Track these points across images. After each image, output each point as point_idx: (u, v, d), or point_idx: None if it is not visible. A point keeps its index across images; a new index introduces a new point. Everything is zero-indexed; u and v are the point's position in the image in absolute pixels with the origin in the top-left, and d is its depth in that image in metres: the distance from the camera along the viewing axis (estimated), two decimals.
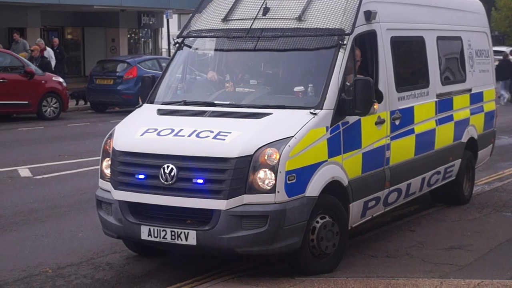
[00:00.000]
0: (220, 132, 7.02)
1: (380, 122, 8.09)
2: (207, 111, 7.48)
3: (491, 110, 11.49)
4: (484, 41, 11.48)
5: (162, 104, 7.98)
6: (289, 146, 6.80)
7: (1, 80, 20.79)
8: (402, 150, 8.64)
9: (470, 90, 10.69)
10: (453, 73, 10.46)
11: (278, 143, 6.82)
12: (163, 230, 6.91)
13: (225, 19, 8.17)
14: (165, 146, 7.09)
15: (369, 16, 7.94)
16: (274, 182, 6.70)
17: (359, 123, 7.69)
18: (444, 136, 9.79)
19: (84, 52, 38.08)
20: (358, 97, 7.26)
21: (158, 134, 7.23)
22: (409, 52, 9.35)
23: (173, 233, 6.85)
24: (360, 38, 7.96)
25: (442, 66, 9.80)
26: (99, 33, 37.63)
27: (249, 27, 7.90)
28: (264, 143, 6.81)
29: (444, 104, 9.76)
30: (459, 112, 10.23)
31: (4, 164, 13.37)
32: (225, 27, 8.16)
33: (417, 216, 9.96)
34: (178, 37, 8.51)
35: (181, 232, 6.82)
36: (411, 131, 8.83)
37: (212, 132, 7.04)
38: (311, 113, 7.15)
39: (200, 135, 7.04)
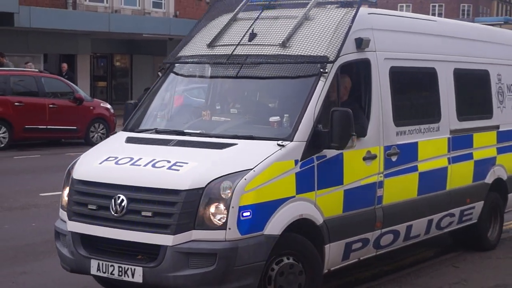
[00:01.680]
0: (177, 162, 6.46)
1: (370, 157, 7.41)
2: (173, 140, 6.99)
3: None
4: None
5: (134, 131, 7.57)
6: (245, 179, 6.15)
7: (51, 106, 21.18)
8: (401, 188, 7.92)
9: (497, 127, 9.93)
10: (475, 109, 9.70)
11: (233, 176, 6.18)
12: (111, 265, 6.41)
13: (210, 45, 7.73)
14: (119, 175, 6.61)
15: (361, 44, 7.35)
16: (225, 218, 6.06)
17: (340, 158, 7.00)
18: (460, 176, 9.02)
19: (132, 79, 38.78)
20: (335, 129, 6.61)
21: (116, 163, 6.77)
22: (414, 84, 8.65)
23: (120, 269, 6.35)
24: (349, 66, 7.40)
25: (459, 100, 9.05)
26: (147, 61, 38.07)
27: (230, 53, 7.45)
28: (218, 176, 6.18)
29: (461, 141, 9.03)
30: (482, 151, 9.49)
31: (51, 189, 13.29)
32: (209, 53, 7.71)
33: (461, 252, 9.68)
34: (164, 62, 8.19)
35: (128, 268, 6.31)
36: (414, 169, 8.12)
37: (169, 162, 6.49)
38: (279, 145, 6.52)
39: (157, 165, 6.52)
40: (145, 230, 6.24)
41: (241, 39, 7.53)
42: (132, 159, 6.74)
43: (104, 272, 6.46)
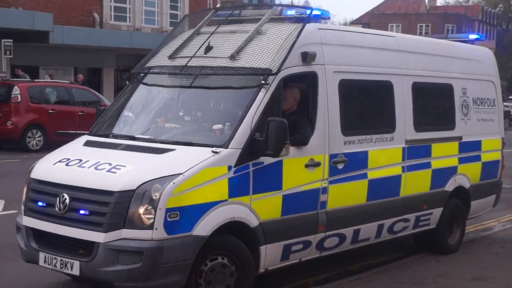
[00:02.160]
0: (116, 165, 6.86)
1: (313, 165, 7.73)
2: (122, 144, 7.38)
3: (493, 160, 10.94)
4: (489, 89, 10.98)
5: (95, 135, 8.01)
6: (173, 183, 6.50)
7: (80, 113, 23.14)
8: (347, 195, 8.24)
9: (460, 138, 10.21)
10: (436, 120, 9.97)
11: (162, 180, 6.53)
12: (54, 258, 6.88)
13: (171, 56, 8.15)
14: (65, 176, 7.05)
15: (306, 57, 7.65)
16: (153, 218, 6.42)
17: (279, 165, 7.33)
18: (415, 184, 9.33)
19: None
20: (270, 138, 6.92)
21: (67, 164, 7.21)
22: (366, 97, 8.88)
23: (62, 262, 6.81)
24: (296, 79, 7.73)
25: (417, 112, 9.34)
26: None
27: (184, 64, 7.83)
28: (149, 179, 6.55)
29: (417, 150, 9.33)
30: (441, 160, 9.80)
31: None
32: (168, 64, 8.12)
33: None
34: (130, 72, 8.41)
35: (67, 262, 6.75)
36: (363, 176, 8.44)
37: (110, 165, 6.89)
38: (213, 151, 6.87)
39: (99, 167, 6.92)
40: (83, 227, 6.68)
41: (197, 52, 7.93)
42: (80, 161, 7.20)
43: (49, 264, 6.96)
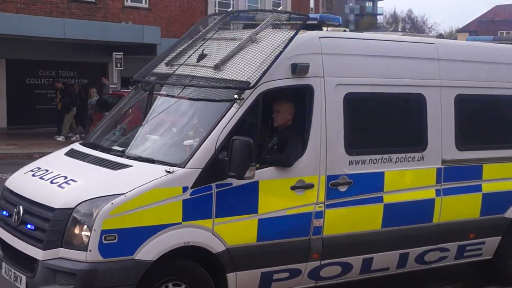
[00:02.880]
0: (70, 179, 6.58)
1: (303, 186, 6.99)
2: (91, 156, 7.11)
3: None
4: None
5: (82, 144, 7.74)
6: (111, 204, 6.07)
7: None
8: (353, 219, 7.41)
9: None
10: (489, 138, 8.70)
11: (101, 200, 6.12)
12: (10, 270, 6.69)
13: (168, 63, 7.72)
14: (24, 187, 6.87)
15: (295, 69, 6.92)
16: (88, 239, 6.04)
17: (253, 187, 6.68)
18: (457, 209, 8.22)
19: None
20: (233, 158, 6.32)
21: (33, 175, 7.02)
22: (383, 112, 7.87)
23: (14, 275, 6.61)
24: (283, 92, 7.12)
25: (462, 129, 8.23)
26: None
27: (171, 72, 7.41)
28: (90, 197, 6.18)
29: (460, 172, 8.22)
30: (497, 183, 8.55)
31: None
32: (162, 71, 7.67)
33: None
34: (133, 78, 8.08)
35: (17, 275, 6.54)
36: (376, 200, 7.54)
37: (65, 178, 6.62)
38: (166, 171, 6.36)
39: (55, 180, 6.65)
40: (29, 242, 6.43)
41: (187, 59, 7.46)
42: (46, 171, 6.97)
43: (7, 275, 6.79)
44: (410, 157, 7.87)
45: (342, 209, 7.37)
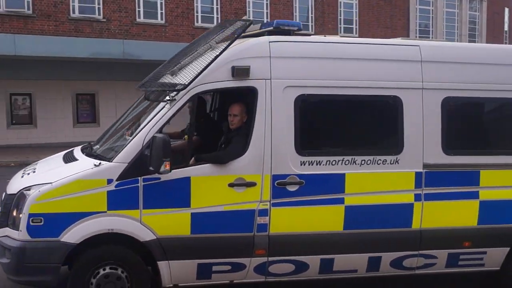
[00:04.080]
0: (34, 171, 7.56)
1: (243, 184, 7.14)
2: (72, 154, 7.85)
3: None
4: None
5: (82, 149, 8.17)
6: (39, 191, 6.77)
7: None
8: (308, 220, 7.35)
9: None
10: (488, 143, 8.10)
11: (34, 187, 6.87)
12: None
13: (163, 72, 7.92)
14: (10, 183, 7.68)
15: (234, 71, 7.09)
16: (19, 221, 6.81)
17: (184, 182, 7.00)
18: (446, 216, 7.77)
19: None
20: (152, 154, 6.72)
21: (23, 174, 7.80)
22: (346, 114, 7.67)
23: None
24: (225, 94, 7.45)
25: (451, 132, 7.77)
26: None
27: (147, 80, 7.74)
28: (27, 185, 6.98)
29: (448, 177, 7.75)
30: (499, 191, 7.93)
31: None
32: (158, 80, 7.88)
33: None
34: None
35: None
36: (336, 201, 7.40)
37: (34, 171, 7.62)
38: (94, 164, 6.93)
39: (26, 173, 7.64)
40: None
41: (173, 68, 7.76)
42: (33, 168, 7.91)
43: None
44: (380, 160, 7.62)
45: (292, 208, 7.37)
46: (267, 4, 30.03)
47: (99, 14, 26.95)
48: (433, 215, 7.79)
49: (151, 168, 6.81)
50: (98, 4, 26.88)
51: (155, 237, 7.04)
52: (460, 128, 7.98)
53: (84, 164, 7.16)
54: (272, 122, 7.27)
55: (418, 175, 7.72)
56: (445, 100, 7.80)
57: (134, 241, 7.04)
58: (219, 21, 28.28)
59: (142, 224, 7.00)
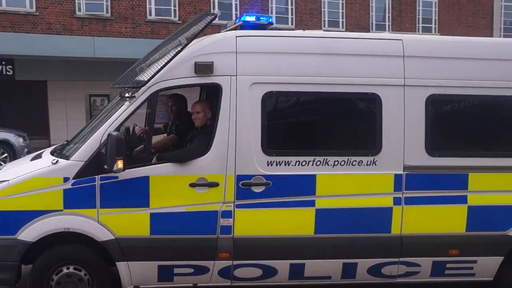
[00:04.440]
0: (2, 170, 7.55)
1: (205, 184, 6.88)
2: (40, 155, 7.74)
3: None
4: None
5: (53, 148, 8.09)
6: None
7: None
8: (276, 222, 7.01)
9: None
10: (479, 144, 7.50)
11: None
12: None
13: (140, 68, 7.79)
14: None
15: (196, 67, 6.83)
16: None
17: (143, 181, 6.81)
18: (430, 221, 7.27)
19: None
20: (107, 152, 6.56)
21: None
22: (317, 112, 7.31)
23: None
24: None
25: (437, 132, 7.26)
26: None
27: (121, 76, 7.67)
28: None
29: (431, 180, 7.25)
30: (490, 195, 7.34)
31: None
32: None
33: None
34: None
35: None
36: (306, 204, 7.02)
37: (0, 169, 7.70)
38: (52, 162, 6.81)
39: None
40: None
41: (143, 64, 7.65)
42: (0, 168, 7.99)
43: None
44: (355, 161, 7.19)
45: (258, 210, 7.06)
46: (342, 4, 29.47)
47: (174, 16, 27.22)
48: (415, 220, 7.31)
49: (105, 167, 6.65)
50: (174, 6, 27.13)
51: (113, 237, 6.89)
52: (446, 127, 7.46)
53: (43, 162, 7.08)
54: (237, 120, 6.98)
55: (397, 177, 7.25)
56: (430, 97, 7.29)
57: (92, 241, 6.92)
58: (293, 22, 28.08)
59: (99, 224, 6.86)
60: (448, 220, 7.37)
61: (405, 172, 7.26)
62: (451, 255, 7.42)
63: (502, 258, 7.50)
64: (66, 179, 6.79)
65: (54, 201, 6.79)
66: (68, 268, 6.98)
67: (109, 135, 6.62)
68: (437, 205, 7.33)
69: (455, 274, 7.54)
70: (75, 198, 6.82)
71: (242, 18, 7.36)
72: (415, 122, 7.27)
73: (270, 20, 7.41)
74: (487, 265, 7.52)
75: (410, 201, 7.27)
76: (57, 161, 6.92)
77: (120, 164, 6.61)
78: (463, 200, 7.36)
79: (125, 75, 7.63)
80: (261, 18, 7.36)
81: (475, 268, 7.52)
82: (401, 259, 7.36)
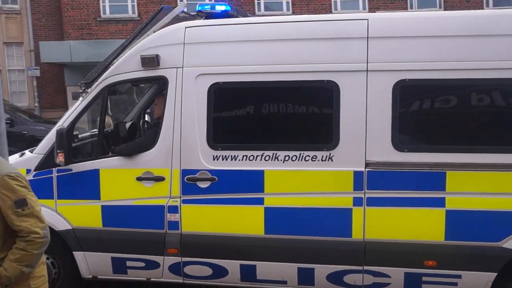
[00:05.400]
0: None
1: (151, 178, 6.69)
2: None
3: None
4: None
5: None
6: None
7: None
8: (223, 219, 6.56)
9: None
10: (457, 136, 6.13)
11: None
12: None
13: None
14: None
15: (145, 61, 6.65)
16: None
17: (94, 174, 6.82)
18: (398, 226, 6.24)
19: None
20: (54, 145, 6.75)
21: None
22: (265, 103, 6.54)
23: None
24: (130, 85, 7.04)
25: (407, 123, 6.22)
26: None
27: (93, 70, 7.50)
28: None
29: (400, 178, 6.20)
30: (477, 198, 6.05)
31: None
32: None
33: None
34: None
35: None
36: (254, 201, 6.46)
37: None
38: (19, 154, 7.10)
39: None
40: None
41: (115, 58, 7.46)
42: None
43: None
44: (309, 156, 6.45)
45: (204, 206, 6.68)
46: None
47: None
48: (381, 224, 6.32)
49: (54, 160, 6.83)
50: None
51: (70, 227, 7.02)
52: (418, 118, 6.33)
53: (17, 155, 7.46)
54: (182, 113, 6.67)
55: (358, 174, 6.34)
56: (399, 83, 6.23)
57: (52, 230, 7.12)
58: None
59: (57, 214, 7.03)
60: (421, 225, 6.23)
61: (367, 169, 6.31)
62: (427, 267, 6.27)
63: (494, 274, 6.13)
64: (28, 171, 7.06)
65: None
66: None
67: (56, 129, 6.78)
68: (407, 207, 6.25)
69: None
70: (36, 189, 6.72)
71: (197, 8, 6.98)
72: (380, 112, 6.27)
73: (226, 7, 6.91)
74: (476, 282, 6.21)
75: (374, 202, 6.30)
76: (23, 154, 7.23)
77: (60, 157, 6.72)
78: (439, 203, 6.18)
79: (90, 73, 7.62)
80: (215, 6, 6.90)
81: (460, 284, 6.25)
82: (366, 268, 6.41)
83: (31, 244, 4.28)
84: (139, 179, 6.79)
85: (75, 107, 7.03)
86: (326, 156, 6.38)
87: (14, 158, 7.36)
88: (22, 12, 26.36)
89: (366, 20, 6.38)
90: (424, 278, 6.31)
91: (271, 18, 6.89)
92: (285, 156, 6.46)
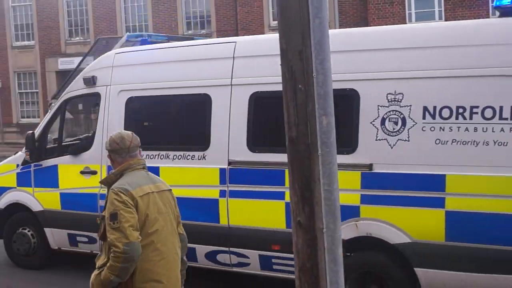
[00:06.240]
0: None
1: (89, 172, 8.41)
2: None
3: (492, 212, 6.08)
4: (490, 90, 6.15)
5: None
6: None
7: None
8: None
9: (367, 166, 6.65)
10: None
11: None
12: None
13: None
14: None
15: (86, 81, 8.46)
16: None
17: (54, 168, 8.70)
18: (251, 215, 7.31)
19: None
20: None
21: None
22: (159, 112, 8.12)
23: None
24: (83, 100, 8.70)
25: (257, 129, 7.31)
26: None
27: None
28: None
29: (254, 175, 7.28)
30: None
31: None
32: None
33: None
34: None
35: None
36: None
37: None
38: (15, 153, 9.16)
39: None
40: None
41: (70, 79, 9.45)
42: None
43: None
44: (190, 155, 7.82)
45: None
46: None
47: None
48: (240, 213, 7.50)
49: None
50: None
51: (42, 209, 9.05)
52: (265, 124, 7.44)
53: (19, 153, 9.62)
54: (108, 121, 8.40)
55: (222, 171, 7.58)
56: (253, 95, 7.40)
57: (31, 211, 9.17)
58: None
59: (34, 198, 9.11)
60: (270, 215, 7.29)
61: (229, 167, 7.53)
62: (274, 250, 7.30)
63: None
64: (17, 166, 9.25)
65: (12, 181, 9.33)
66: (20, 230, 9.39)
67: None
68: (258, 199, 7.36)
69: (280, 270, 7.32)
70: (22, 179, 9.22)
71: (126, 38, 8.71)
72: (239, 119, 7.46)
73: (145, 38, 8.68)
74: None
75: (234, 194, 7.50)
76: (16, 152, 9.41)
77: (27, 155, 8.91)
78: (279, 196, 7.20)
79: (56, 91, 9.80)
80: (138, 36, 8.65)
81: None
82: (231, 249, 7.58)
83: (113, 257, 4.46)
84: (82, 172, 8.62)
85: (45, 118, 9.13)
86: (201, 156, 7.71)
87: (12, 156, 9.55)
88: None
89: (235, 43, 7.63)
90: (273, 260, 7.35)
91: (169, 44, 8.44)
92: (174, 155, 7.91)
